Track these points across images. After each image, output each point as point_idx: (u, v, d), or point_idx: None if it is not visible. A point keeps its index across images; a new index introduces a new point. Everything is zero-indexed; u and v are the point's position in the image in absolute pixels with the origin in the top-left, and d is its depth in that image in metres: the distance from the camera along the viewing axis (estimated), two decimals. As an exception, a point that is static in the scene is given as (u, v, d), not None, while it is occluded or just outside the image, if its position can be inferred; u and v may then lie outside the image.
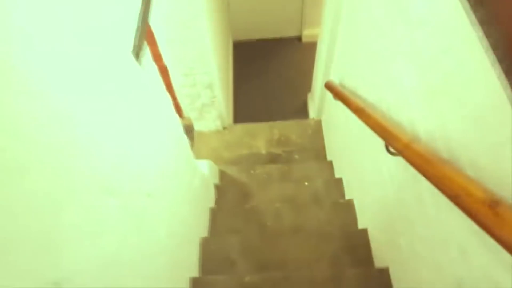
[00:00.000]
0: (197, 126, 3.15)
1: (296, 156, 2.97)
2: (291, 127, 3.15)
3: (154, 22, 2.35)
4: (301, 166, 2.74)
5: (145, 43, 1.21)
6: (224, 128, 3.17)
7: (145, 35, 1.20)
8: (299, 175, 2.59)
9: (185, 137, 1.73)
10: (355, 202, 2.04)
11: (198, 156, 3.05)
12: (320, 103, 2.95)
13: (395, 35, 1.25)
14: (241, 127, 3.19)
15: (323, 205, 2.14)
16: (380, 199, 1.60)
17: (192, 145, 3.21)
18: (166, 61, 2.67)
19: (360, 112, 1.49)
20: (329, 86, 2.15)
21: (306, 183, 2.40)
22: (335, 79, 2.32)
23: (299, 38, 3.94)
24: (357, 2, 1.74)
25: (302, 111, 3.31)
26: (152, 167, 1.20)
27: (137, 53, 1.12)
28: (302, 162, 2.90)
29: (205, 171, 2.19)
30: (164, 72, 2.87)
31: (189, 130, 3.30)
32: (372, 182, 1.73)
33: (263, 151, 3.02)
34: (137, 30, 1.11)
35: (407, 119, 1.21)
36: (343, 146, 2.31)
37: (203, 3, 2.15)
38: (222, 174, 2.65)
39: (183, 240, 1.61)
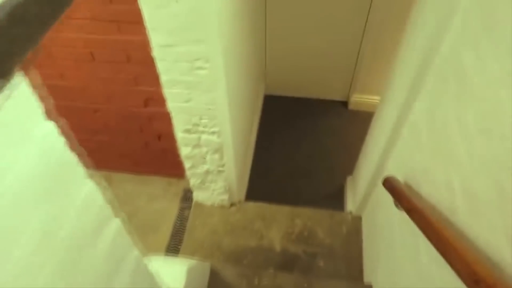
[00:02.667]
0: (197, 196, 2.41)
1: (321, 264, 2.14)
2: (320, 219, 2.34)
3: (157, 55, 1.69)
4: (327, 284, 1.91)
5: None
6: (232, 204, 2.40)
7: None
8: (322, 302, 1.76)
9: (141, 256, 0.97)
10: None
11: (190, 237, 2.28)
12: (365, 195, 2.16)
13: None
14: (254, 207, 2.41)
15: None
16: None
17: (186, 218, 2.45)
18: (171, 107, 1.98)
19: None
20: (394, 190, 1.37)
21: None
22: (397, 175, 1.55)
23: (345, 104, 3.23)
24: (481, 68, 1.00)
25: (336, 199, 2.52)
26: None
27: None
28: (329, 276, 2.06)
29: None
30: (165, 119, 2.21)
31: (186, 198, 2.56)
32: None
33: (277, 247, 2.21)
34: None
35: None
36: (403, 281, 1.48)
37: (220, 35, 1.48)
38: (214, 278, 1.86)
39: None
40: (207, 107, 1.71)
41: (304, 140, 2.93)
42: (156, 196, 2.70)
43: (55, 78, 2.11)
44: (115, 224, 0.80)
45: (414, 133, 1.47)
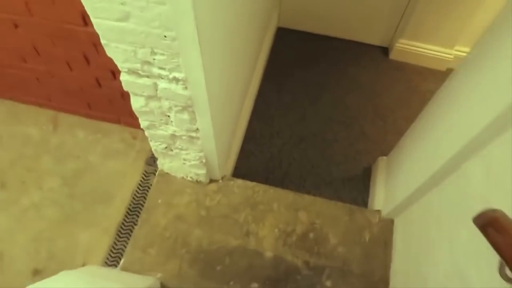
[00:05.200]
0: (163, 165, 1.69)
1: (328, 283, 1.47)
2: (334, 216, 1.64)
3: None
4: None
5: None
6: (211, 181, 1.70)
7: None
8: None
9: None
10: None
11: (147, 222, 1.61)
12: (408, 194, 1.43)
13: None
14: (242, 188, 1.70)
15: None
16: None
17: (145, 195, 1.76)
18: (99, 29, 1.16)
19: None
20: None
21: None
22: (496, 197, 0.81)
23: (385, 51, 2.39)
24: None
25: (359, 187, 1.79)
26: None
27: None
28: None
29: None
30: (88, 45, 1.45)
31: (154, 159, 1.86)
32: None
33: (268, 253, 1.53)
34: None
35: None
36: None
37: None
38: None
39: None
40: (160, 33, 0.93)
41: (323, 95, 2.14)
42: (114, 152, 2.00)
43: None
44: None
45: None
